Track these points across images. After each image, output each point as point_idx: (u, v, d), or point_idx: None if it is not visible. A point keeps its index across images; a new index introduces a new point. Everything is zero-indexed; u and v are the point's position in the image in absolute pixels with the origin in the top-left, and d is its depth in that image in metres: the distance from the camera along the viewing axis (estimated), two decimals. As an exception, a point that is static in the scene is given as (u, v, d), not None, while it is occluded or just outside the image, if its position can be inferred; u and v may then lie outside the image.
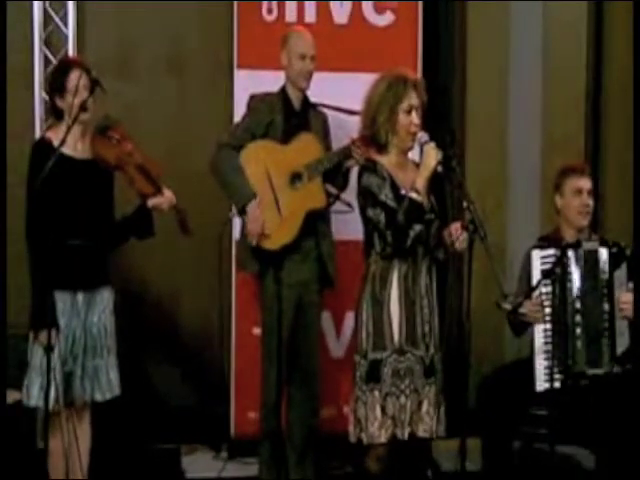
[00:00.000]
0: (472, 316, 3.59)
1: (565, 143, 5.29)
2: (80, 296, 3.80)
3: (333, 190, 4.29)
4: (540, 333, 4.00)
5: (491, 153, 5.37)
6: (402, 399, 3.64)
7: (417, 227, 3.64)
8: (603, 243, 4.06)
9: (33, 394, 3.75)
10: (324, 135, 4.38)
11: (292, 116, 4.31)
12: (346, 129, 4.31)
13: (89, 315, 3.83)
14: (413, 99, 3.69)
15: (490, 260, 3.47)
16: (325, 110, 4.44)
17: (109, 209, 3.91)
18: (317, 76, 4.34)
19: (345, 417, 3.92)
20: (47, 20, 5.02)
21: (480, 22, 5.34)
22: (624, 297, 3.98)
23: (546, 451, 3.84)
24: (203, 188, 4.51)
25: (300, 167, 4.19)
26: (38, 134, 4.76)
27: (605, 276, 4.01)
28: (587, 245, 4.04)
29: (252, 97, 4.34)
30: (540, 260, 4.01)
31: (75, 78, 3.74)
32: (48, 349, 3.53)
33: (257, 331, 4.58)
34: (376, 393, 3.63)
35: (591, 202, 4.21)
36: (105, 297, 3.88)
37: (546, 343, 3.97)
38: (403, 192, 3.66)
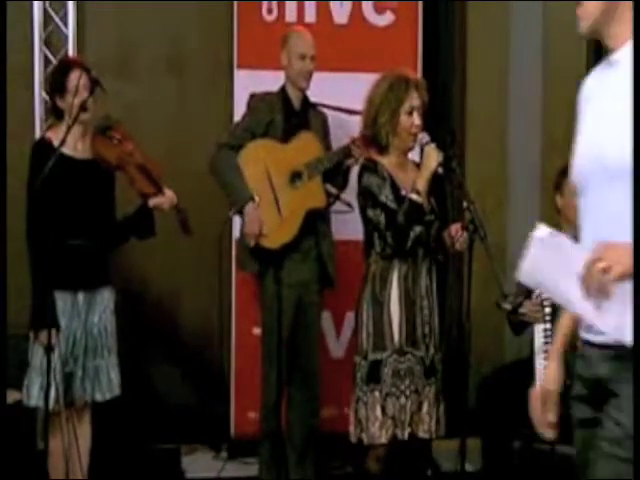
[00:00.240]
0: (472, 316, 3.60)
1: (565, 143, 5.27)
2: (81, 296, 3.80)
3: (333, 190, 4.28)
4: (540, 333, 3.99)
5: (491, 153, 5.37)
6: (402, 399, 3.63)
7: (417, 228, 3.64)
8: (603, 243, 4.06)
9: (33, 394, 3.75)
10: (324, 135, 4.38)
11: (292, 116, 4.30)
12: (346, 129, 4.31)
13: (90, 315, 3.83)
14: (415, 100, 3.68)
15: (490, 260, 3.46)
16: (325, 110, 4.43)
17: (110, 209, 3.90)
18: (317, 76, 4.34)
19: (345, 417, 3.91)
20: (47, 20, 5.01)
21: (480, 22, 5.34)
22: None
23: (546, 451, 3.85)
24: (203, 188, 4.51)
25: (300, 166, 4.19)
26: (38, 134, 4.75)
27: (605, 276, 4.00)
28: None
29: (252, 96, 4.34)
30: (540, 260, 4.00)
31: (75, 78, 3.74)
32: (48, 349, 3.54)
33: (257, 331, 4.57)
34: (376, 393, 3.63)
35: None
36: (106, 297, 3.88)
37: (546, 343, 3.96)
38: (403, 193, 3.66)
